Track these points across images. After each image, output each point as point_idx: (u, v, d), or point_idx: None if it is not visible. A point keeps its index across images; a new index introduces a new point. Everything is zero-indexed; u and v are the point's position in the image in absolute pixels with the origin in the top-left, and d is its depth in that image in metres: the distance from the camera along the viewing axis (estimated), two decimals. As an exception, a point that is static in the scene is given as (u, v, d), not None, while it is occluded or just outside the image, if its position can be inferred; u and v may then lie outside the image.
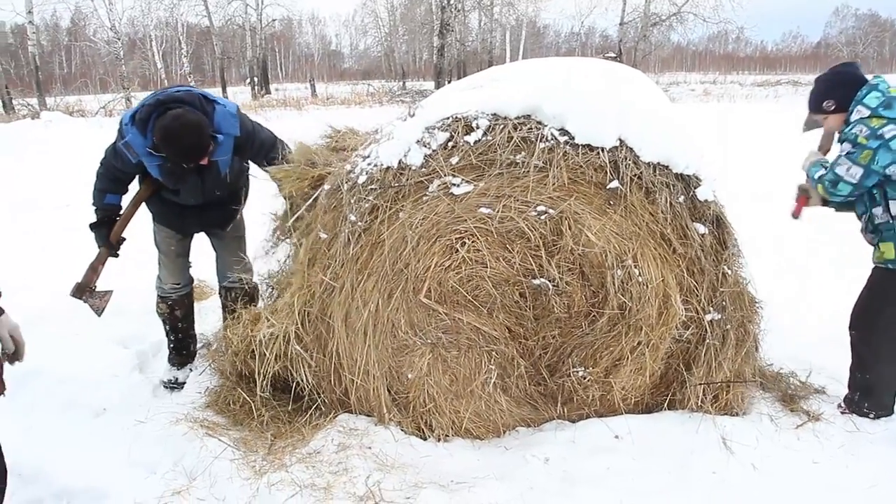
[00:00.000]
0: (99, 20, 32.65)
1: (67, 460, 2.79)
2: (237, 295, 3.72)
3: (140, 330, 4.10)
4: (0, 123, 17.65)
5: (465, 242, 2.87)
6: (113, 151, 3.34)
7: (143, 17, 35.16)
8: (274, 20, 42.94)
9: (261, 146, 3.51)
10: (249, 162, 3.62)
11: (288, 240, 3.27)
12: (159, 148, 3.14)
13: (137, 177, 3.50)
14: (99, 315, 3.51)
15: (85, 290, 3.43)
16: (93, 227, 3.47)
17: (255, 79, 38.11)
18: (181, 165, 3.21)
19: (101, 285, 3.47)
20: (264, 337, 2.97)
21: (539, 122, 2.80)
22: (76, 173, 8.87)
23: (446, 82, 34.41)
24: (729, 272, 2.90)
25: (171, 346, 3.78)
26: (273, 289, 3.38)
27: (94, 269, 3.44)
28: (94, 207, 3.47)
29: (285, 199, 3.28)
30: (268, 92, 37.61)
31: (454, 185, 2.81)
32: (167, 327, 3.76)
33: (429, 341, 3.00)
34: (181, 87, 3.34)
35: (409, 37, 53.92)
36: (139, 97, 28.46)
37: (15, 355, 2.06)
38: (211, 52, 43.42)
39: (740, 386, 3.03)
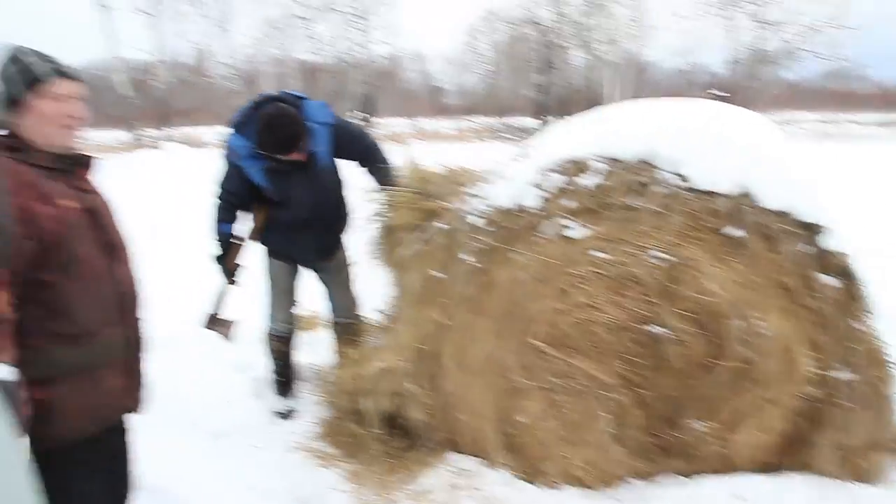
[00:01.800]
0: (218, 57, 34.66)
1: (189, 480, 2.91)
2: (346, 329, 3.80)
3: (255, 357, 4.25)
4: (126, 153, 18.94)
5: (578, 286, 2.84)
6: (222, 176, 3.52)
7: (259, 54, 36.98)
8: (380, 57, 44.36)
9: (358, 138, 3.64)
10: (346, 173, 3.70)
11: (390, 269, 3.33)
12: (261, 140, 3.31)
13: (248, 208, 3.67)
14: (230, 341, 3.66)
15: (212, 319, 3.59)
16: (213, 257, 3.64)
17: (360, 113, 39.37)
18: (282, 160, 3.36)
19: (225, 313, 3.62)
20: (375, 373, 3.02)
21: (656, 166, 2.75)
22: (193, 202, 9.37)
23: (548, 119, 34.46)
24: (860, 328, 2.74)
25: (280, 378, 3.90)
26: (382, 323, 3.44)
27: (218, 299, 3.60)
28: (213, 238, 3.64)
29: (390, 227, 3.32)
30: (373, 126, 38.72)
31: (568, 227, 2.79)
32: (277, 362, 3.88)
33: (541, 385, 2.97)
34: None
35: (513, 74, 54.35)
36: (253, 131, 29.87)
37: None
38: (320, 87, 45.20)
39: (877, 452, 2.84)
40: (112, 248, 2.08)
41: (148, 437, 3.28)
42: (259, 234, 3.68)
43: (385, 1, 40.34)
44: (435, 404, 3.03)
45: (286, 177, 3.45)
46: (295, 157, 3.39)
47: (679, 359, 2.84)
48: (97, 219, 2.04)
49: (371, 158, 3.71)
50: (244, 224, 3.69)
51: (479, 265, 2.86)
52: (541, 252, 2.82)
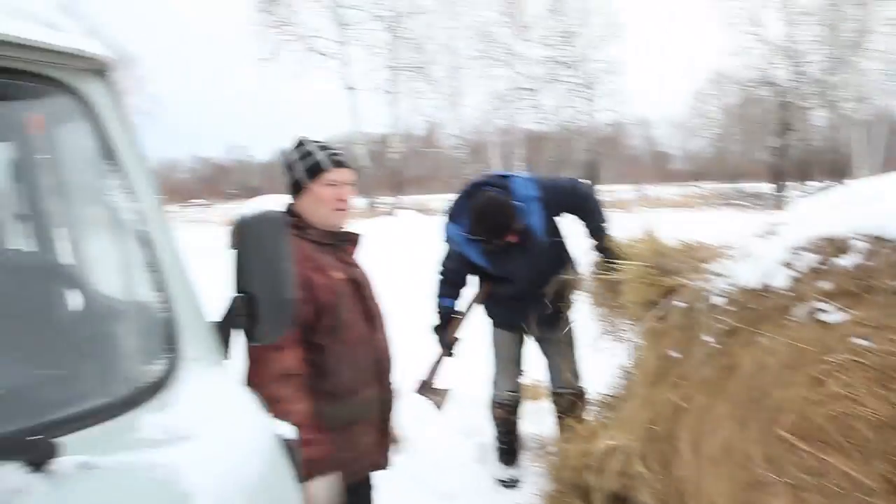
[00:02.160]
0: (448, 129, 36.80)
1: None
2: (567, 401, 3.77)
3: (481, 423, 4.34)
4: (364, 219, 20.58)
5: (836, 375, 2.59)
6: (444, 255, 3.70)
7: (486, 125, 38.69)
8: (604, 124, 44.43)
9: (570, 193, 3.70)
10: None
11: (618, 343, 3.26)
12: (474, 230, 3.47)
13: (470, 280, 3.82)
14: (439, 409, 3.79)
15: (426, 387, 3.75)
16: (433, 328, 3.82)
17: (584, 180, 39.44)
18: (497, 243, 3.49)
19: (439, 383, 3.76)
20: (603, 450, 2.95)
21: (930, 247, 2.47)
22: (423, 267, 9.88)
23: (786, 184, 32.22)
24: None
25: (503, 446, 3.94)
26: (610, 399, 3.37)
27: (434, 368, 3.75)
28: (435, 311, 3.83)
29: (621, 302, 3.27)
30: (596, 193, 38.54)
31: (824, 311, 2.57)
32: (500, 430, 3.93)
33: (787, 481, 2.72)
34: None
35: (744, 137, 51.74)
36: (478, 197, 31.14)
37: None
38: (544, 155, 46.12)
39: None
40: (371, 315, 2.30)
41: (383, 491, 3.48)
42: (481, 306, 3.83)
43: (610, 69, 40.63)
44: (666, 489, 2.88)
45: (504, 254, 3.59)
46: (509, 238, 3.52)
47: (962, 467, 2.46)
48: (360, 289, 2.29)
49: (585, 212, 3.72)
50: (465, 297, 3.85)
51: (721, 347, 2.72)
52: (791, 336, 2.62)
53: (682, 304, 2.87)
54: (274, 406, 1.88)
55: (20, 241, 1.68)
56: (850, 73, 33.02)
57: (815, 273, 2.59)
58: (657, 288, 3.06)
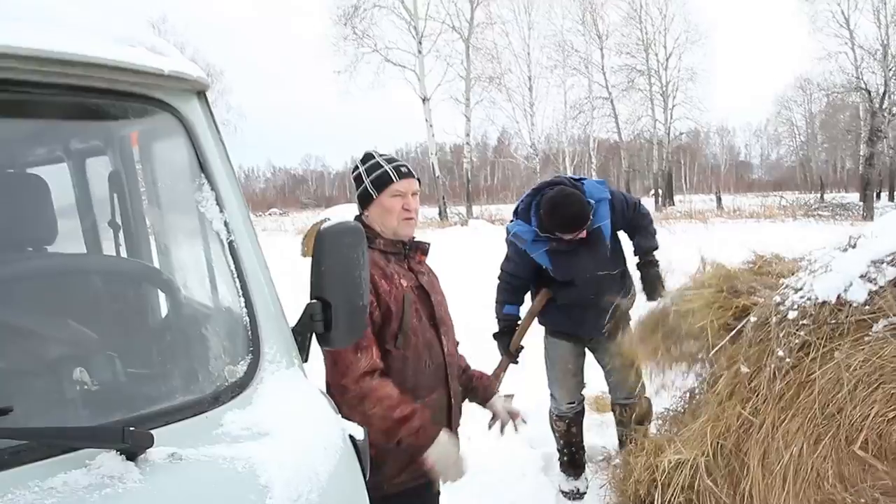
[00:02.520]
0: (521, 139, 36.78)
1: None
2: (631, 412, 3.74)
3: (546, 433, 4.35)
4: (437, 229, 20.76)
5: (916, 394, 2.51)
6: (505, 259, 3.75)
7: (559, 135, 38.56)
8: (681, 133, 43.56)
9: (636, 207, 3.70)
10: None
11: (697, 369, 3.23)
12: (545, 227, 3.48)
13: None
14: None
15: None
16: (495, 336, 3.84)
17: (660, 190, 38.76)
18: (566, 240, 3.47)
19: (503, 390, 3.78)
20: (670, 464, 2.93)
21: None
22: (494, 277, 9.93)
23: (875, 194, 30.83)
24: None
25: (566, 458, 3.93)
26: (676, 412, 3.33)
27: (497, 376, 3.77)
28: (496, 318, 3.85)
29: (688, 327, 3.24)
30: (672, 203, 37.89)
31: (905, 327, 2.49)
32: (562, 442, 3.92)
33: (862, 501, 2.64)
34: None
35: (830, 145, 49.90)
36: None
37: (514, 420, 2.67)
38: (618, 164, 45.56)
39: None
40: (438, 322, 2.38)
41: (445, 499, 3.53)
42: (540, 314, 3.83)
43: (689, 77, 39.84)
44: (735, 505, 2.84)
45: (570, 256, 3.56)
46: (579, 234, 3.49)
47: None
48: (428, 296, 2.37)
49: (643, 231, 3.72)
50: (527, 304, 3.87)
51: (794, 362, 2.67)
52: (869, 352, 2.55)
53: (755, 319, 2.83)
54: (367, 398, 2.05)
55: (121, 248, 1.83)
56: (947, 78, 31.44)
57: (896, 288, 2.52)
58: (730, 311, 3.03)
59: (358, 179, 2.39)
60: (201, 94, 1.46)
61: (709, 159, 74.58)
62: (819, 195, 36.89)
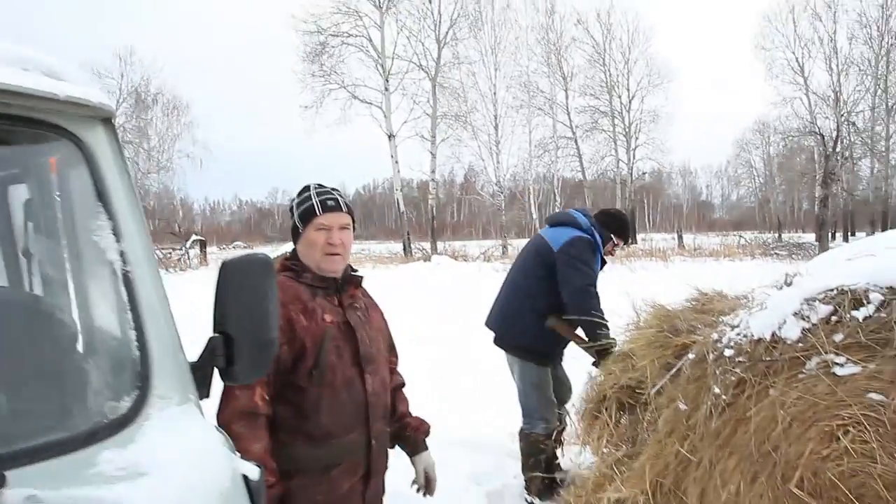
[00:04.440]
0: (487, 176, 37.07)
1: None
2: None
3: (490, 469, 4.28)
4: (400, 264, 20.73)
5: (849, 431, 2.51)
6: (587, 272, 4.04)
7: (525, 173, 38.92)
8: (644, 173, 44.35)
9: None
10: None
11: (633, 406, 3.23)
12: (627, 232, 4.38)
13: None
14: None
15: None
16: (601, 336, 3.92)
17: (622, 228, 39.21)
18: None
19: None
20: (609, 502, 2.89)
21: (949, 300, 2.40)
22: (456, 313, 9.91)
23: (829, 234, 31.59)
24: None
25: (546, 480, 3.93)
26: (617, 451, 3.31)
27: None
28: (603, 321, 3.92)
29: (631, 365, 3.28)
30: (635, 241, 38.35)
31: (837, 364, 2.51)
32: (544, 464, 3.95)
33: (799, 540, 2.62)
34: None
35: (787, 186, 51.15)
36: (514, 244, 31.24)
37: (427, 489, 2.55)
38: (582, 202, 46.11)
39: None
40: (365, 359, 2.30)
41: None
42: (543, 343, 4.18)
43: (651, 118, 40.69)
44: (675, 546, 2.80)
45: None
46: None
47: (984, 532, 2.36)
48: (353, 332, 2.30)
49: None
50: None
51: (730, 399, 2.66)
52: (803, 389, 2.56)
53: (693, 357, 2.83)
54: (234, 443, 1.90)
55: (33, 278, 1.76)
56: (899, 123, 32.53)
57: (829, 325, 2.54)
58: (670, 349, 3.03)
59: (291, 211, 2.36)
60: (107, 121, 1.42)
61: (671, 199, 75.96)
62: (777, 235, 37.76)
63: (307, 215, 2.28)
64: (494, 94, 35.60)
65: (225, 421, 2.00)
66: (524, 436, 4.19)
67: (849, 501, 2.54)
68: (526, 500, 4.11)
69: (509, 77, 36.64)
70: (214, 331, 1.40)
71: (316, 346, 2.16)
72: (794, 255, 23.30)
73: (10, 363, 1.19)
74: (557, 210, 39.23)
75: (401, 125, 31.91)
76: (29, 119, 1.28)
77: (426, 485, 2.60)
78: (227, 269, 1.40)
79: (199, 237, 33.58)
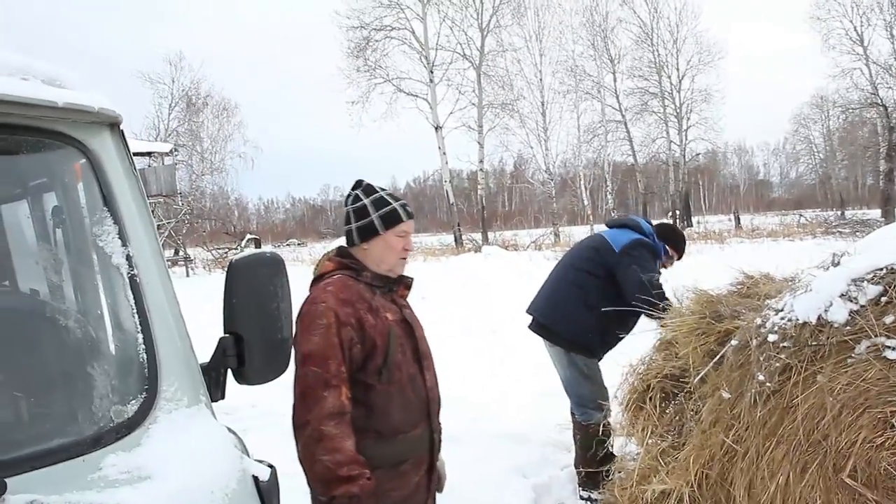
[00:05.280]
0: (537, 164, 36.76)
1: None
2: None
3: (537, 462, 4.23)
4: (451, 256, 20.71)
5: (903, 417, 2.39)
6: (650, 268, 4.06)
7: (575, 159, 38.45)
8: (698, 154, 43.32)
9: None
10: None
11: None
12: (683, 250, 4.51)
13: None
14: None
15: None
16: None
17: (678, 211, 38.48)
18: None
19: None
20: (654, 494, 2.82)
21: None
22: (505, 303, 9.84)
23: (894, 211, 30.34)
24: None
25: (603, 472, 3.86)
26: (663, 441, 3.22)
27: None
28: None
29: (683, 356, 3.18)
30: (689, 224, 37.59)
31: (889, 347, 2.38)
32: (601, 452, 3.88)
33: (853, 532, 2.51)
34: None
35: (850, 161, 49.35)
36: (566, 232, 30.94)
37: (438, 487, 2.49)
38: (634, 187, 45.38)
39: None
40: (421, 356, 2.35)
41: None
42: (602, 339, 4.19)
43: (703, 98, 39.73)
44: (721, 539, 2.72)
45: None
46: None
47: None
48: (412, 330, 2.35)
49: None
50: None
51: (777, 387, 2.56)
52: (853, 375, 2.44)
53: (736, 343, 2.73)
54: (322, 443, 2.00)
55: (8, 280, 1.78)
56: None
57: (879, 306, 2.41)
58: (713, 336, 2.94)
59: (361, 212, 2.34)
60: (114, 126, 1.43)
61: (727, 179, 74.08)
62: (839, 212, 36.43)
63: (393, 220, 2.31)
64: (540, 80, 35.22)
65: (315, 423, 2.02)
66: (581, 427, 4.14)
67: (905, 491, 2.42)
68: (581, 496, 4.04)
69: (555, 62, 36.19)
70: (225, 331, 1.40)
71: (384, 343, 2.19)
72: (858, 233, 22.43)
73: (14, 369, 1.20)
74: (609, 195, 38.78)
75: (447, 116, 31.88)
76: (30, 128, 1.29)
77: (438, 481, 2.57)
78: (235, 269, 1.39)
79: (253, 236, 34.18)
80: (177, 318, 1.34)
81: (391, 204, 2.33)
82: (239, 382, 1.42)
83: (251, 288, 1.39)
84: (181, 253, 35.03)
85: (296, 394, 2.11)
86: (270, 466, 1.41)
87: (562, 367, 4.27)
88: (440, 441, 2.44)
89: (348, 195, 2.41)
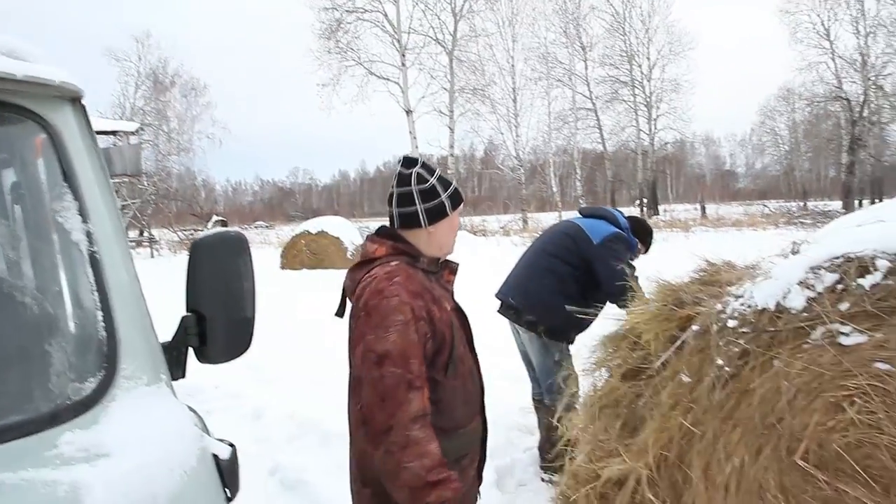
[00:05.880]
0: (507, 150, 36.86)
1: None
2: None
3: (500, 444, 4.27)
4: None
5: (854, 401, 2.45)
6: (621, 259, 4.11)
7: (544, 146, 38.61)
8: (666, 143, 43.79)
9: None
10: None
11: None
12: (650, 243, 4.64)
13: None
14: None
15: None
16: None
17: (645, 199, 38.88)
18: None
19: None
20: (612, 475, 2.87)
21: (959, 266, 2.33)
22: (472, 288, 9.86)
23: (856, 202, 31.05)
24: None
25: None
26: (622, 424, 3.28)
27: None
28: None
29: (645, 341, 3.23)
30: (656, 213, 38.02)
31: (843, 333, 2.45)
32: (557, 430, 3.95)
33: (804, 512, 2.59)
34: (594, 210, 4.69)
35: (813, 154, 50.25)
36: (535, 218, 31.13)
37: None
38: (603, 175, 45.74)
39: None
40: (472, 344, 2.28)
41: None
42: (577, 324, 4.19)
43: (673, 87, 40.10)
44: (678, 520, 2.78)
45: None
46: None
47: None
48: (466, 319, 2.27)
49: None
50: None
51: (735, 371, 2.62)
52: (808, 360, 2.51)
53: (697, 328, 2.79)
54: (409, 449, 1.84)
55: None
56: (927, 86, 31.74)
57: (835, 293, 2.48)
58: (675, 322, 2.98)
59: (431, 192, 2.16)
60: (76, 101, 1.40)
61: (694, 169, 75.01)
62: (802, 203, 37.15)
63: (458, 200, 2.21)
64: (512, 66, 35.31)
65: (400, 428, 1.86)
66: (548, 410, 4.19)
67: (854, 473, 2.49)
68: (542, 478, 4.10)
69: (527, 49, 36.31)
70: (187, 310, 1.39)
71: (450, 337, 2.07)
72: (819, 224, 22.91)
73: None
74: (578, 182, 39.01)
75: (418, 100, 31.79)
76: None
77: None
78: (198, 248, 1.39)
79: (220, 218, 33.82)
80: (137, 296, 1.33)
81: (451, 183, 2.22)
82: (200, 361, 1.42)
83: (214, 266, 1.38)
84: (146, 234, 34.54)
85: (370, 397, 1.91)
86: (231, 445, 1.41)
87: (535, 354, 4.31)
88: (486, 430, 2.38)
89: (405, 175, 2.18)
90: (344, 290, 2.19)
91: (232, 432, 5.26)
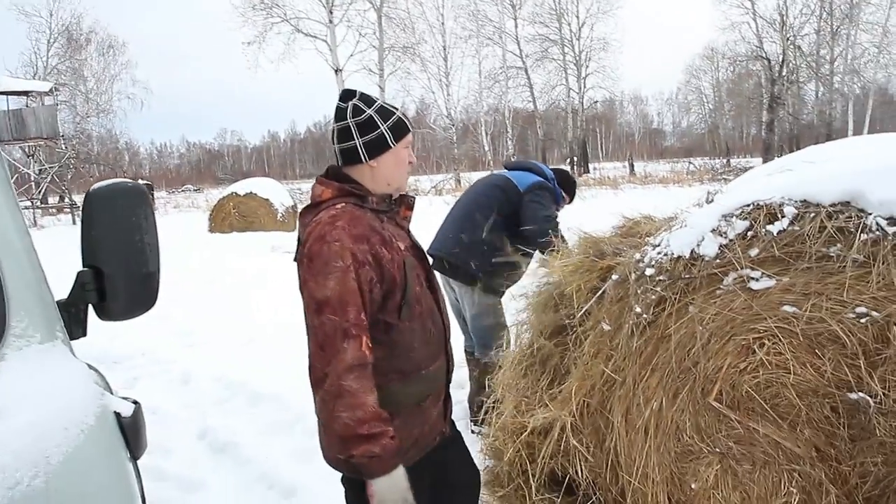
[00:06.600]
0: (438, 109, 36.66)
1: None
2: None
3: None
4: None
5: (764, 343, 2.56)
6: (549, 207, 4.28)
7: (476, 105, 38.57)
8: (595, 102, 44.31)
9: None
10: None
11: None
12: (573, 193, 4.75)
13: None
14: None
15: None
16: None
17: (576, 158, 39.39)
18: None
19: None
20: (538, 423, 2.94)
21: (861, 210, 2.42)
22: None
23: (775, 157, 32.18)
24: None
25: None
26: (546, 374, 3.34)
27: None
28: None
29: (568, 293, 3.28)
30: (587, 171, 38.60)
31: (753, 279, 2.54)
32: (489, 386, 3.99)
33: (717, 450, 2.71)
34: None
35: (736, 112, 51.69)
36: (467, 177, 31.15)
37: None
38: (534, 134, 46.04)
39: None
40: (434, 284, 2.22)
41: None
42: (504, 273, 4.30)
43: (601, 46, 40.44)
44: (600, 462, 2.87)
45: None
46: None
47: (887, 432, 2.45)
48: (423, 256, 2.19)
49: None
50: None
51: (653, 318, 2.69)
52: (720, 305, 2.60)
53: (616, 278, 2.84)
54: (341, 399, 1.79)
55: None
56: (843, 47, 32.88)
57: (745, 240, 2.56)
58: (595, 272, 3.03)
59: (368, 124, 2.04)
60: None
61: (623, 127, 76.27)
62: (726, 160, 38.27)
63: (402, 130, 2.08)
64: (443, 24, 34.95)
65: (334, 377, 1.82)
66: (479, 364, 4.26)
67: (764, 411, 2.61)
68: (472, 431, 4.16)
69: (457, 6, 35.96)
70: (84, 265, 1.33)
71: (402, 278, 2.00)
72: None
73: None
74: (510, 141, 39.17)
75: (347, 59, 31.19)
76: None
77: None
78: (93, 199, 1.32)
79: (145, 181, 32.70)
80: (28, 251, 1.26)
81: (395, 112, 2.09)
82: (101, 318, 1.36)
83: (111, 219, 1.32)
84: (67, 199, 33.16)
85: (311, 345, 1.88)
86: (135, 403, 1.36)
87: (468, 305, 4.35)
88: (452, 368, 2.33)
89: (342, 108, 2.08)
90: (299, 237, 2.11)
91: (160, 398, 5.20)
